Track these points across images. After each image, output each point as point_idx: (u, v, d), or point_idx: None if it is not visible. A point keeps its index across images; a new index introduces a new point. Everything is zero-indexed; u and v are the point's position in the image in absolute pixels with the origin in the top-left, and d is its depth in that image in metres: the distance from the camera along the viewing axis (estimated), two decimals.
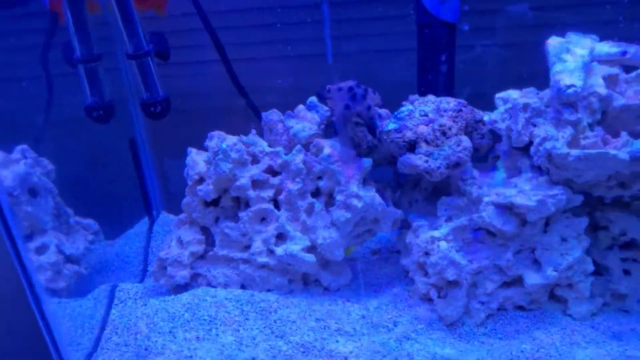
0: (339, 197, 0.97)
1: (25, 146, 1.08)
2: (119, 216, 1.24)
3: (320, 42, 1.29)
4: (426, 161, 0.90)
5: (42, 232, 1.05)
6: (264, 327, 0.93)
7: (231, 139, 1.01)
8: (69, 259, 1.06)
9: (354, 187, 0.95)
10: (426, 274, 0.95)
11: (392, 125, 0.94)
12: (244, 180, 0.99)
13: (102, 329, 0.96)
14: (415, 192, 1.01)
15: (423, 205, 0.99)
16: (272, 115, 1.05)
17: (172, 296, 1.02)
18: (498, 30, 1.26)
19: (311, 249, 0.99)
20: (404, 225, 1.02)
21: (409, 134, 0.92)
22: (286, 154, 1.01)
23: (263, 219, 1.01)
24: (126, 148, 1.21)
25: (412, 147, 0.93)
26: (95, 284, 1.08)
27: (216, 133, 1.07)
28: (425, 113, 0.93)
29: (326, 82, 1.29)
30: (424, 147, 0.91)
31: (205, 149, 1.08)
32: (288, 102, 1.30)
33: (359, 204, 0.95)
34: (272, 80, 1.32)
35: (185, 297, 1.00)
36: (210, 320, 0.95)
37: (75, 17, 1.05)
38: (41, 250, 1.03)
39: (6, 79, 1.26)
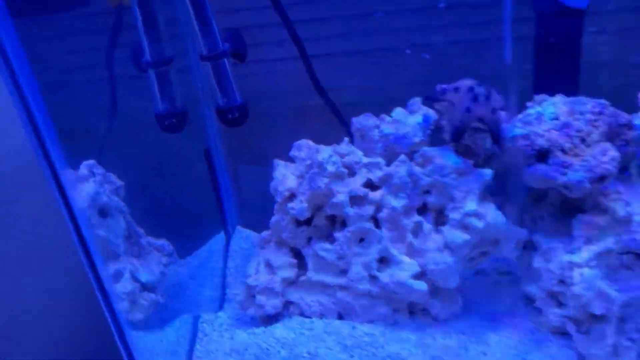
0: (454, 215, 0.84)
1: (92, 161, 0.98)
2: (190, 233, 1.13)
3: (411, 32, 1.15)
4: (565, 174, 0.76)
5: (115, 257, 0.95)
6: None
7: (326, 150, 0.89)
8: (145, 287, 0.96)
9: (473, 204, 0.82)
10: (560, 305, 0.81)
11: (518, 131, 0.80)
12: (341, 196, 0.86)
13: None
14: (539, 207, 0.87)
15: (550, 224, 0.85)
16: (366, 119, 0.93)
17: (262, 328, 0.91)
18: (609, 13, 1.10)
19: (421, 275, 0.86)
20: (525, 246, 0.88)
21: (540, 141, 0.78)
22: (386, 165, 0.88)
23: (361, 240, 0.89)
24: (199, 158, 1.10)
25: (542, 156, 0.79)
26: (173, 313, 0.97)
27: (304, 142, 0.95)
28: (556, 116, 0.79)
29: (414, 80, 1.17)
30: (560, 156, 0.77)
31: (291, 160, 0.96)
32: (373, 103, 1.18)
33: (480, 224, 0.81)
34: (353, 78, 1.19)
35: (278, 330, 0.89)
36: (310, 359, 0.83)
37: (144, 15, 0.94)
38: (115, 278, 0.93)
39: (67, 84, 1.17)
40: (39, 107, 0.63)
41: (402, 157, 0.86)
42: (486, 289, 0.98)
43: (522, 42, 1.01)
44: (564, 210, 0.84)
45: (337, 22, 1.18)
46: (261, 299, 0.91)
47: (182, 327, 0.93)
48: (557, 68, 0.91)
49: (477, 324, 0.89)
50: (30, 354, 0.94)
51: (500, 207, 0.84)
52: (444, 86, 0.81)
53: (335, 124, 1.16)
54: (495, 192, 0.87)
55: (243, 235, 1.18)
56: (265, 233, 1.04)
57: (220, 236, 1.17)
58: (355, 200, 0.88)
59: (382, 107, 1.16)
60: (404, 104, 1.08)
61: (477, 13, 1.09)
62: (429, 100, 0.82)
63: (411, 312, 0.91)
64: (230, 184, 1.18)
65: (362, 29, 1.19)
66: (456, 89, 0.77)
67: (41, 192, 0.98)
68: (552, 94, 0.85)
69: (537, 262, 0.84)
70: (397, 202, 0.86)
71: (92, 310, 1.01)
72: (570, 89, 0.85)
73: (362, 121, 0.92)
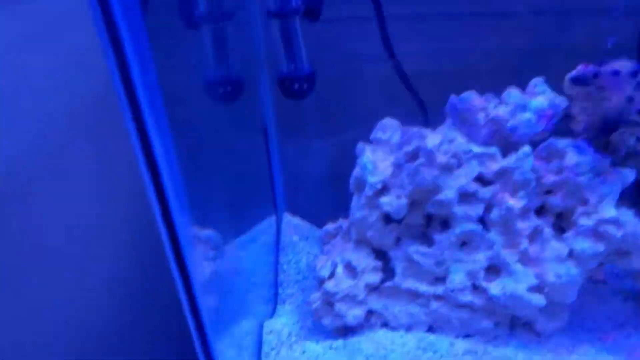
0: (585, 222, 0.71)
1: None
2: (237, 219, 0.96)
3: None
4: None
5: None
6: None
7: (435, 136, 0.74)
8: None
9: (611, 210, 0.69)
10: None
11: None
12: (450, 193, 0.72)
13: None
14: None
15: None
16: (471, 99, 0.78)
17: (341, 341, 0.77)
18: None
19: (536, 287, 0.73)
20: None
21: None
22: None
23: (463, 244, 0.76)
24: (250, 134, 0.93)
25: None
26: (227, 318, 0.82)
27: (391, 122, 0.80)
28: None
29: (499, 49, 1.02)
30: None
31: (369, 141, 0.81)
32: (445, 72, 1.03)
33: (618, 233, 0.69)
34: (421, 45, 1.03)
35: (364, 344, 0.75)
36: None
37: None
38: None
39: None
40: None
41: (527, 148, 0.72)
42: (583, 301, 0.87)
43: None
44: None
45: None
46: (341, 307, 0.77)
47: (243, 340, 0.78)
48: None
49: (585, 341, 0.78)
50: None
51: (636, 214, 0.72)
52: (592, 67, 0.67)
53: (400, 97, 1.01)
54: (629, 195, 0.75)
55: (292, 224, 1.03)
56: (330, 225, 0.90)
57: (267, 223, 1.01)
58: (463, 197, 0.74)
59: (458, 78, 1.02)
60: (488, 77, 0.95)
61: None
62: (577, 84, 0.68)
63: (511, 326, 0.79)
64: (280, 164, 1.02)
65: None
66: (615, 73, 0.63)
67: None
68: None
69: None
70: (515, 203, 0.72)
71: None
72: None
73: (467, 101, 0.77)
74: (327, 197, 1.02)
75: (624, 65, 0.65)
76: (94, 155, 0.83)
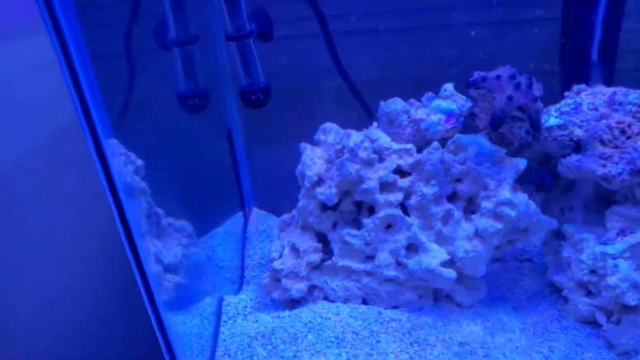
0: (486, 204, 0.83)
1: (114, 140, 0.96)
2: (208, 213, 1.11)
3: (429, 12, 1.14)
4: (604, 165, 0.76)
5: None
6: (400, 351, 0.82)
7: (357, 136, 0.87)
8: (167, 269, 0.95)
9: (506, 193, 0.82)
10: (589, 294, 0.82)
11: (554, 121, 0.80)
12: (371, 182, 0.85)
13: (214, 350, 0.86)
14: (568, 197, 0.87)
15: (580, 214, 0.85)
16: (395, 104, 0.91)
17: (287, 312, 0.91)
18: None
19: (449, 262, 0.86)
20: (552, 235, 0.88)
21: (577, 132, 0.78)
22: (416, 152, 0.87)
23: (389, 226, 0.88)
24: (219, 139, 1.08)
25: (579, 147, 0.79)
26: (195, 295, 0.96)
27: (331, 126, 0.94)
28: (595, 107, 0.79)
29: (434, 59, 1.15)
30: (599, 148, 0.76)
31: (313, 142, 0.95)
32: (390, 81, 1.17)
33: (513, 213, 0.81)
34: (369, 57, 1.17)
35: (305, 314, 0.89)
36: (338, 343, 0.83)
37: None
38: None
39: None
40: (87, 75, 0.61)
41: (435, 144, 0.85)
42: (507, 276, 0.99)
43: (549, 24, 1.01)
44: (596, 201, 0.84)
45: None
46: (287, 282, 0.90)
47: (205, 310, 0.92)
48: (585, 50, 0.91)
49: (501, 311, 0.90)
50: (55, 340, 0.93)
51: (529, 196, 0.84)
52: (483, 73, 0.79)
53: (352, 104, 1.15)
54: (525, 180, 0.87)
55: (259, 217, 1.17)
56: (285, 216, 1.03)
57: (236, 217, 1.16)
58: (385, 186, 0.87)
59: (400, 86, 1.16)
60: (425, 84, 1.08)
61: None
62: (469, 87, 0.81)
63: (435, 298, 0.91)
64: (247, 164, 1.17)
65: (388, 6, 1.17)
66: (498, 77, 0.76)
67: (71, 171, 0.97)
68: (585, 83, 0.85)
69: (567, 252, 0.84)
70: (428, 190, 0.85)
71: (114, 294, 1.01)
72: (605, 79, 0.84)
73: (391, 106, 0.91)
74: (292, 193, 1.16)
75: (505, 70, 0.78)
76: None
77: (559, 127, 0.79)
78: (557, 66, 1.07)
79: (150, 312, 0.77)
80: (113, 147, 0.68)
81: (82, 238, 1.00)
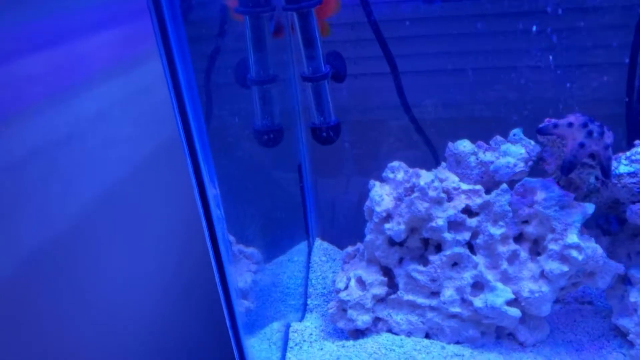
0: (553, 247, 0.86)
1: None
2: (273, 241, 1.17)
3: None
4: None
5: None
6: None
7: (428, 175, 0.91)
8: (238, 294, 1.00)
9: (574, 237, 0.84)
10: None
11: (624, 169, 0.82)
12: (440, 221, 0.89)
13: None
14: (635, 243, 0.88)
15: None
16: (463, 145, 0.95)
17: (352, 342, 0.94)
18: None
19: (514, 301, 0.88)
20: (618, 280, 0.89)
21: None
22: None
23: (455, 264, 0.91)
24: (290, 172, 1.14)
25: None
26: (263, 320, 1.01)
27: (398, 164, 0.98)
28: None
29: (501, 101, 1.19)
30: None
31: (380, 179, 1.00)
32: (453, 125, 1.21)
33: (580, 256, 0.83)
34: (435, 97, 1.22)
35: (369, 344, 0.92)
36: None
37: (254, 33, 0.98)
38: None
39: None
40: (193, 100, 0.68)
41: (504, 186, 0.88)
42: (569, 318, 0.99)
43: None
44: None
45: (431, 40, 1.21)
46: (352, 313, 0.94)
47: (273, 335, 0.96)
48: None
49: (563, 352, 0.91)
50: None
51: (596, 240, 0.86)
52: (554, 120, 0.83)
53: (416, 143, 1.20)
54: (592, 225, 0.89)
55: (322, 248, 1.22)
56: (350, 248, 1.08)
57: (301, 246, 1.21)
58: (452, 225, 0.90)
59: (464, 126, 1.20)
60: (488, 125, 1.12)
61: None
62: (540, 133, 0.84)
63: (498, 336, 0.93)
64: (313, 197, 1.22)
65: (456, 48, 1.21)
66: (570, 124, 0.79)
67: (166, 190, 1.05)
68: None
69: (634, 297, 0.85)
70: (496, 230, 0.88)
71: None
72: None
73: (459, 147, 0.95)
74: (353, 226, 1.21)
75: (576, 118, 0.81)
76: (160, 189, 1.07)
77: (629, 174, 0.81)
78: (621, 111, 1.09)
79: (231, 335, 0.82)
80: (210, 178, 0.74)
81: (169, 259, 1.07)
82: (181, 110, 0.68)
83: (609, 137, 0.79)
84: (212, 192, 0.73)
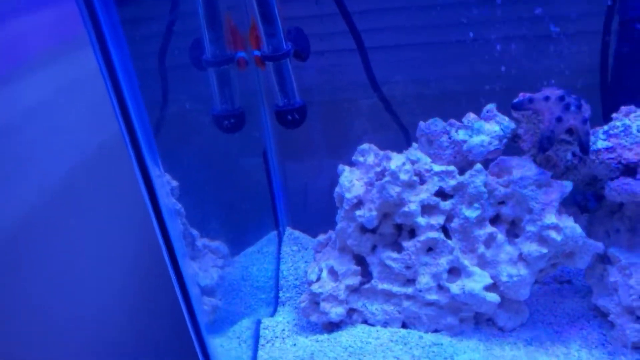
0: (531, 228, 0.82)
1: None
2: (242, 232, 1.11)
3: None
4: None
5: None
6: None
7: (399, 158, 0.86)
8: (204, 291, 0.94)
9: (552, 217, 0.80)
10: (637, 320, 0.80)
11: (602, 144, 0.78)
12: (413, 206, 0.84)
13: None
14: (614, 220, 0.85)
15: (627, 237, 0.83)
16: (435, 125, 0.90)
17: (326, 335, 0.90)
18: None
19: (492, 286, 0.84)
20: (597, 259, 0.86)
21: (627, 155, 0.76)
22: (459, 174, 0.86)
23: (430, 250, 0.87)
24: (254, 158, 1.08)
25: (628, 170, 0.77)
26: (232, 317, 0.96)
27: (369, 147, 0.93)
28: None
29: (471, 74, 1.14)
30: None
31: (350, 163, 0.94)
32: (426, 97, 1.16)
33: (558, 237, 0.80)
34: (403, 73, 1.16)
35: (344, 337, 0.88)
36: None
37: (208, 11, 0.91)
38: None
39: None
40: (135, 98, 0.61)
41: (478, 166, 0.83)
42: (548, 299, 0.97)
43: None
44: None
45: (395, 14, 1.15)
46: (325, 306, 0.89)
47: (243, 333, 0.91)
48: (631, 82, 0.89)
49: (543, 335, 0.88)
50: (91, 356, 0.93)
51: (574, 219, 0.82)
52: (528, 95, 0.78)
53: (387, 121, 1.14)
54: (568, 204, 0.85)
55: (293, 237, 1.17)
56: (321, 237, 1.03)
57: (270, 236, 1.15)
58: (426, 209, 0.86)
59: (435, 102, 1.15)
60: (460, 100, 1.07)
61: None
62: (515, 108, 0.79)
63: (477, 322, 0.90)
64: (281, 183, 1.16)
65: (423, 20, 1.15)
66: (546, 98, 0.75)
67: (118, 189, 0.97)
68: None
69: (613, 276, 0.82)
70: (471, 213, 0.84)
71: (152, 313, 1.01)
72: None
73: (431, 126, 0.90)
74: (326, 212, 1.15)
75: (553, 91, 0.76)
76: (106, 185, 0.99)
77: (607, 149, 0.77)
78: (594, 81, 1.05)
79: (193, 335, 0.76)
80: (157, 170, 0.67)
81: (122, 256, 1.01)
82: (119, 98, 0.61)
83: (586, 111, 0.75)
84: (160, 183, 0.66)
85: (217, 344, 0.89)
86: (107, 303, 0.97)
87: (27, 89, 0.83)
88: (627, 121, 0.78)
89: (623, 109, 0.80)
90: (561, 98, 0.74)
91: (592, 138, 0.80)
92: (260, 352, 0.89)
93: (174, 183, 0.99)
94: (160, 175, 0.65)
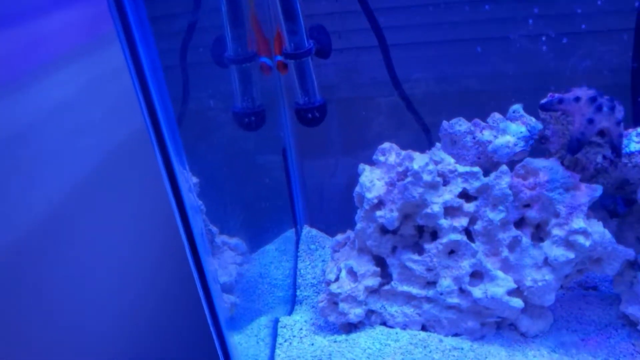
0: (557, 232, 0.80)
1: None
2: (261, 230, 1.10)
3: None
4: None
5: None
6: None
7: (422, 158, 0.84)
8: (223, 288, 0.94)
9: (580, 221, 0.78)
10: None
11: (635, 146, 0.76)
12: (436, 207, 0.83)
13: None
14: None
15: None
16: (459, 125, 0.88)
17: (344, 336, 0.89)
18: None
19: (515, 291, 0.82)
20: (627, 265, 0.84)
21: None
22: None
23: (452, 252, 0.85)
24: (274, 156, 1.07)
25: None
26: (250, 314, 0.95)
27: (390, 146, 0.91)
28: None
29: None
30: None
31: (370, 162, 0.93)
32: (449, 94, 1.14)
33: (587, 243, 0.77)
34: (426, 71, 1.14)
35: (362, 339, 0.86)
36: None
37: (231, 9, 0.90)
38: None
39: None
40: (161, 95, 0.60)
41: (504, 167, 0.81)
42: (573, 305, 0.94)
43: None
44: None
45: (421, 10, 1.12)
46: (344, 307, 0.88)
47: (261, 331, 0.91)
48: None
49: (568, 342, 0.86)
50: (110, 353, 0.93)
51: (603, 224, 0.80)
52: (558, 95, 0.76)
53: (408, 119, 1.12)
54: (597, 208, 0.83)
55: (310, 235, 1.16)
56: (339, 236, 1.02)
57: (288, 234, 1.15)
58: (449, 211, 0.84)
59: (459, 101, 1.13)
60: (483, 99, 1.05)
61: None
62: (544, 109, 0.77)
63: (498, 327, 0.88)
64: (300, 181, 1.15)
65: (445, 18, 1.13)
66: (577, 99, 0.72)
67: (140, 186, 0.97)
68: None
69: None
70: (495, 215, 0.82)
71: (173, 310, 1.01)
72: None
73: (455, 126, 0.88)
74: (343, 210, 1.14)
75: (584, 92, 0.74)
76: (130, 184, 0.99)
77: None
78: (627, 80, 1.02)
79: (213, 333, 0.76)
80: (181, 167, 0.67)
81: (144, 252, 1.01)
82: (145, 94, 0.61)
83: (619, 112, 0.72)
84: (184, 180, 0.66)
85: (235, 341, 0.89)
86: (129, 299, 0.97)
87: (53, 87, 0.83)
88: None
89: None
90: (593, 99, 0.72)
91: (624, 140, 0.77)
92: (277, 351, 0.88)
93: (195, 180, 0.98)
94: (184, 172, 0.64)
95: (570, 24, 1.05)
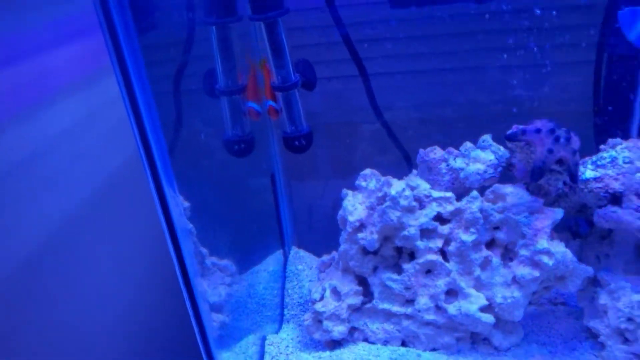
0: (524, 252, 0.86)
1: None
2: (248, 251, 1.16)
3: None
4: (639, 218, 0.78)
5: None
6: None
7: (399, 184, 0.91)
8: (212, 307, 0.99)
9: (544, 242, 0.84)
10: (625, 341, 0.84)
11: (590, 174, 0.83)
12: (412, 230, 0.89)
13: None
14: (604, 245, 0.89)
15: (616, 262, 0.87)
16: (434, 152, 0.95)
17: (328, 352, 0.94)
18: None
19: (487, 307, 0.89)
20: (588, 282, 0.90)
21: (614, 185, 0.81)
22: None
23: (428, 272, 0.92)
24: (262, 180, 1.13)
25: (615, 199, 0.82)
26: (238, 333, 1.00)
27: (371, 172, 0.98)
28: (630, 160, 0.82)
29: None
30: (634, 201, 0.79)
31: (353, 186, 0.99)
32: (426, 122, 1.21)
33: (550, 262, 0.84)
34: (406, 99, 1.22)
35: (345, 355, 0.92)
36: None
37: (221, 42, 0.96)
38: None
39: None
40: (153, 124, 0.66)
41: (474, 193, 0.88)
42: (542, 320, 1.00)
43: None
44: (632, 250, 0.87)
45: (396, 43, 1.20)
46: (328, 324, 0.94)
47: (249, 349, 0.96)
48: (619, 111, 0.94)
49: (537, 355, 0.92)
50: None
51: (566, 244, 0.87)
52: (521, 127, 0.83)
53: (389, 145, 1.19)
54: (561, 229, 0.90)
55: (298, 256, 1.21)
56: (325, 257, 1.07)
57: (276, 255, 1.20)
58: (425, 233, 0.90)
59: (435, 127, 1.20)
60: (459, 125, 1.12)
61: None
62: (508, 139, 0.85)
63: (473, 341, 0.94)
64: (288, 204, 1.21)
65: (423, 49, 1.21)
66: (537, 130, 0.80)
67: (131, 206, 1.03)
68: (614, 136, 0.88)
69: (603, 299, 0.86)
70: (467, 237, 0.88)
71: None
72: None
73: (430, 154, 0.95)
74: (331, 231, 1.20)
75: (544, 124, 0.81)
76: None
77: (595, 179, 0.82)
78: (589, 108, 1.10)
79: (202, 351, 0.81)
80: (172, 191, 0.73)
81: (136, 272, 1.06)
82: (138, 124, 0.67)
83: (575, 143, 0.80)
84: (175, 204, 0.72)
85: (224, 358, 0.94)
86: (120, 318, 1.02)
87: (54, 118, 0.89)
88: (613, 153, 0.82)
89: (610, 141, 0.85)
90: (552, 131, 0.79)
91: (581, 168, 0.84)
92: None
93: (186, 204, 1.04)
94: (175, 196, 0.70)
95: (540, 56, 1.14)
